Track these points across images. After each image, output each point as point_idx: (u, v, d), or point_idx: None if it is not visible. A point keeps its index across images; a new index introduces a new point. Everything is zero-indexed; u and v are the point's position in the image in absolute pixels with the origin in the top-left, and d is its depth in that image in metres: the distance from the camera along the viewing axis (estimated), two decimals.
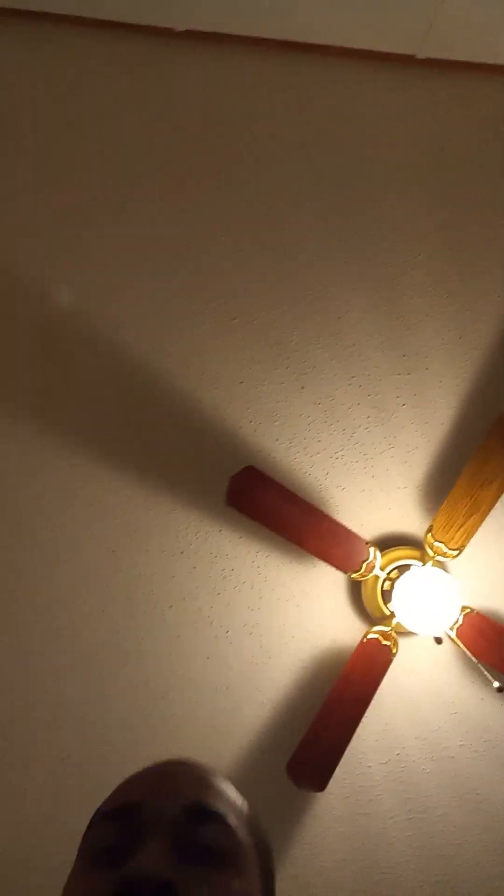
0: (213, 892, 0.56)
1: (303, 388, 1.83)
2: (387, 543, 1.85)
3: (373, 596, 1.83)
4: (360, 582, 1.84)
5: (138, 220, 1.78)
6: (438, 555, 1.71)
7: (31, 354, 1.81)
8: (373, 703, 1.70)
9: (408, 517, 1.88)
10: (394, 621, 1.75)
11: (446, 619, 1.67)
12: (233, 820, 0.63)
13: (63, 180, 1.78)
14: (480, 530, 1.67)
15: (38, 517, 1.84)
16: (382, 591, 1.82)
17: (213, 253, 1.79)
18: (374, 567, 1.73)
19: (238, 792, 0.68)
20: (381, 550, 1.79)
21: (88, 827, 0.63)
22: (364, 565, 1.70)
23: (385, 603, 1.81)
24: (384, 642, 1.73)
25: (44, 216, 1.78)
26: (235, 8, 1.69)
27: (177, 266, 1.79)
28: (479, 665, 1.73)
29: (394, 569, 1.80)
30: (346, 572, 1.73)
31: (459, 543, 1.67)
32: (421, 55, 1.76)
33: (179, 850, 0.57)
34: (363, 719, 1.69)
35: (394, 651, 1.74)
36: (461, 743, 1.96)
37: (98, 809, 0.64)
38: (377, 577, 1.80)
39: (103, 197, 1.78)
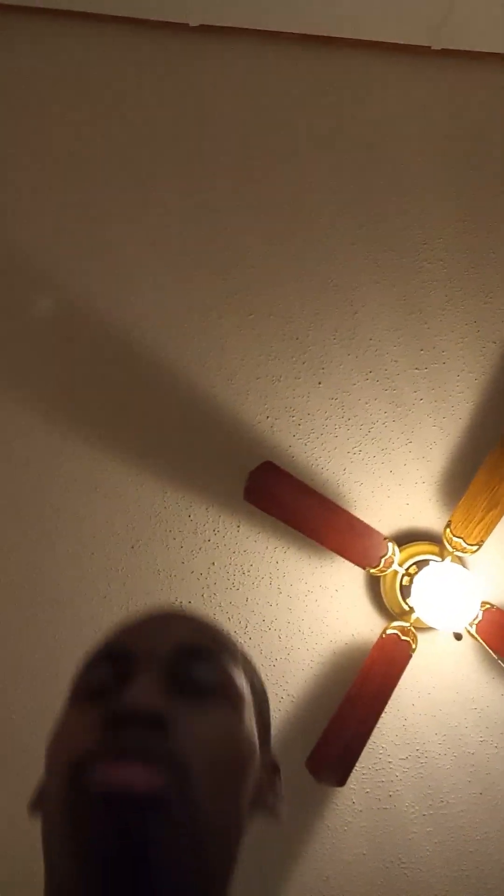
0: (203, 725, 0.56)
1: (320, 383, 1.82)
2: (405, 538, 1.84)
3: (391, 591, 1.83)
4: (379, 577, 1.84)
5: (157, 215, 1.79)
6: (457, 550, 1.70)
7: (52, 350, 1.82)
8: (392, 698, 1.70)
9: (426, 512, 1.87)
10: (413, 617, 1.75)
11: (466, 614, 1.66)
12: (226, 659, 0.62)
13: (82, 176, 1.78)
14: (500, 525, 1.65)
15: (61, 511, 1.85)
16: (401, 587, 1.81)
17: (231, 247, 1.79)
18: (392, 562, 1.72)
19: (232, 637, 0.67)
20: (400, 545, 1.78)
21: (78, 670, 0.63)
22: (382, 560, 1.70)
23: (404, 598, 1.81)
24: (403, 638, 1.72)
25: (62, 212, 1.79)
26: (250, 2, 1.69)
27: (195, 261, 1.79)
28: (500, 661, 1.72)
29: (412, 564, 1.79)
30: (364, 567, 1.73)
31: (479, 538, 1.66)
32: (436, 46, 1.75)
33: (170, 686, 0.57)
34: (382, 715, 1.69)
35: (413, 647, 1.73)
36: (481, 739, 1.95)
37: (88, 653, 0.64)
38: (396, 573, 1.79)
39: (122, 192, 1.78)
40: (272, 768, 0.66)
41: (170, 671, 0.58)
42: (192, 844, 0.51)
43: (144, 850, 0.49)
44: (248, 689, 0.64)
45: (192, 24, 1.73)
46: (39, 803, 0.59)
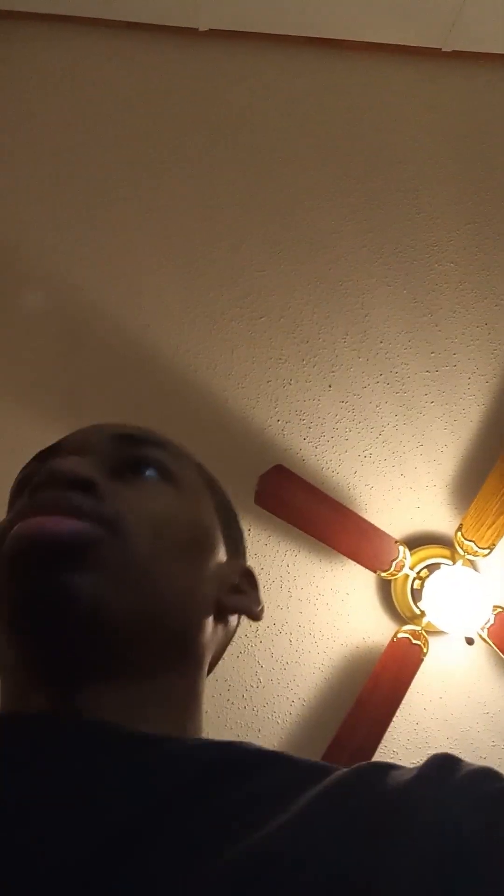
0: (140, 496, 0.51)
1: (330, 386, 1.82)
2: (416, 542, 1.84)
3: (403, 595, 1.82)
4: (390, 581, 1.83)
5: (165, 219, 1.79)
6: (469, 553, 1.69)
7: (60, 352, 1.82)
8: (403, 702, 1.69)
9: (437, 515, 1.86)
10: (424, 621, 1.74)
11: (477, 618, 1.66)
12: (168, 450, 0.58)
13: (90, 181, 1.79)
14: None
15: None
16: (412, 591, 1.80)
17: (240, 251, 1.79)
18: (403, 566, 1.72)
19: (185, 447, 0.62)
20: (411, 549, 1.78)
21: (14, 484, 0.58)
22: (393, 564, 1.69)
23: (415, 602, 1.80)
24: (414, 642, 1.72)
25: (70, 217, 1.79)
26: (259, 6, 1.69)
27: (204, 265, 1.80)
28: None
29: (423, 567, 1.79)
30: (375, 571, 1.72)
31: (490, 542, 1.65)
32: (447, 48, 1.74)
33: (104, 466, 0.52)
34: (394, 719, 1.69)
35: (424, 651, 1.73)
36: (493, 743, 1.94)
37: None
38: (407, 576, 1.78)
39: (130, 197, 1.79)
40: (247, 576, 0.62)
41: (104, 455, 0.53)
42: (131, 595, 0.46)
43: (71, 599, 0.43)
44: (205, 488, 0.60)
45: (202, 28, 1.74)
46: None
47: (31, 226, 1.80)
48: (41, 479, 0.48)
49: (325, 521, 1.65)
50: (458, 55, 1.76)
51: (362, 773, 0.41)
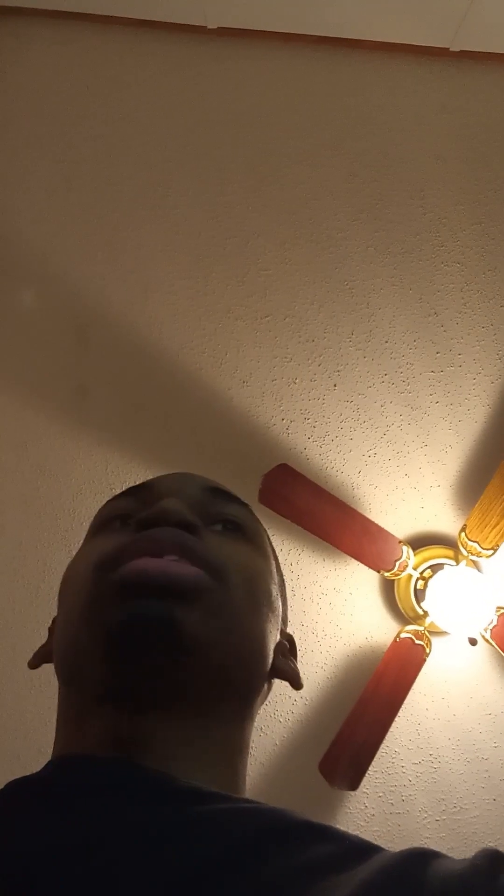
0: (233, 548, 0.54)
1: (335, 385, 1.82)
2: (420, 542, 1.84)
3: (406, 595, 1.82)
4: (393, 581, 1.83)
5: (173, 217, 1.79)
6: (472, 554, 1.69)
7: (66, 351, 1.83)
8: (405, 703, 1.69)
9: (441, 516, 1.86)
10: (427, 621, 1.74)
11: (481, 619, 1.65)
12: (252, 513, 0.61)
13: (97, 179, 1.79)
14: None
15: (75, 514, 1.86)
16: (416, 591, 1.80)
17: (246, 250, 1.79)
18: (406, 566, 1.72)
19: None
20: (414, 549, 1.78)
21: (98, 512, 0.61)
22: (397, 564, 1.69)
23: (418, 602, 1.80)
24: (417, 642, 1.72)
25: (77, 215, 1.80)
26: (267, 4, 1.69)
27: (210, 264, 1.80)
28: None
29: (427, 568, 1.79)
30: (378, 571, 1.72)
31: (494, 543, 1.65)
32: (455, 48, 1.74)
33: (198, 514, 0.55)
34: (396, 719, 1.68)
35: (427, 651, 1.72)
36: (495, 744, 1.94)
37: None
38: (410, 576, 1.78)
39: (138, 195, 1.79)
40: (291, 642, 0.66)
41: (196, 503, 0.56)
42: (226, 639, 0.49)
43: (180, 634, 0.46)
44: (271, 553, 0.63)
45: (210, 26, 1.74)
46: (48, 640, 0.56)
47: (38, 223, 1.81)
48: (151, 515, 0.51)
49: (329, 521, 1.64)
50: (465, 55, 1.76)
51: (411, 861, 0.41)
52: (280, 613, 0.60)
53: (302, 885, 0.38)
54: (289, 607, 0.70)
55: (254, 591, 0.54)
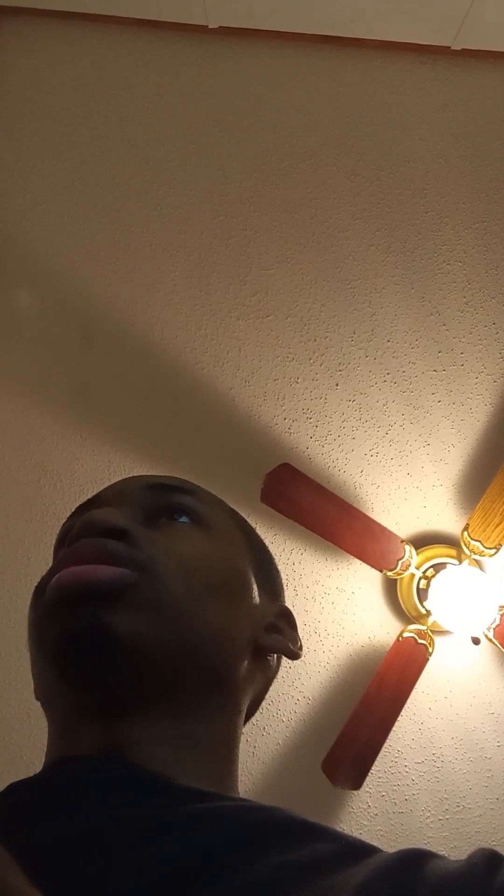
0: (172, 541, 0.53)
1: (337, 385, 1.82)
2: (422, 541, 1.83)
3: (409, 594, 1.82)
4: (396, 580, 1.83)
5: (175, 216, 1.79)
6: (475, 553, 1.69)
7: (69, 349, 1.83)
8: (408, 702, 1.69)
9: (444, 515, 1.86)
10: (430, 620, 1.74)
11: (483, 618, 1.65)
12: (199, 497, 0.60)
13: (100, 179, 1.79)
14: None
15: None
16: (418, 590, 1.80)
17: (249, 249, 1.79)
18: (409, 565, 1.72)
19: (216, 496, 0.64)
20: (417, 548, 1.78)
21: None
22: (399, 563, 1.69)
23: (421, 602, 1.80)
24: (420, 641, 1.71)
25: (80, 216, 1.80)
26: (268, 4, 1.69)
27: (212, 264, 1.80)
28: None
29: (429, 567, 1.79)
30: (381, 570, 1.72)
31: (497, 542, 1.65)
32: (456, 46, 1.74)
33: (138, 515, 0.55)
34: (398, 718, 1.68)
35: (430, 650, 1.72)
36: (498, 743, 1.94)
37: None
38: (413, 576, 1.78)
39: (141, 193, 1.79)
40: (284, 615, 0.64)
41: (138, 505, 0.56)
42: (166, 631, 0.48)
43: (110, 637, 0.46)
44: (237, 531, 0.62)
45: (211, 25, 1.74)
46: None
47: (41, 222, 1.81)
48: (78, 530, 0.51)
49: (332, 520, 1.64)
50: (467, 53, 1.76)
51: (407, 862, 0.41)
52: (254, 590, 0.59)
53: (297, 883, 0.39)
54: (280, 579, 0.68)
55: (198, 576, 0.52)
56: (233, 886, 0.38)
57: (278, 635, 0.60)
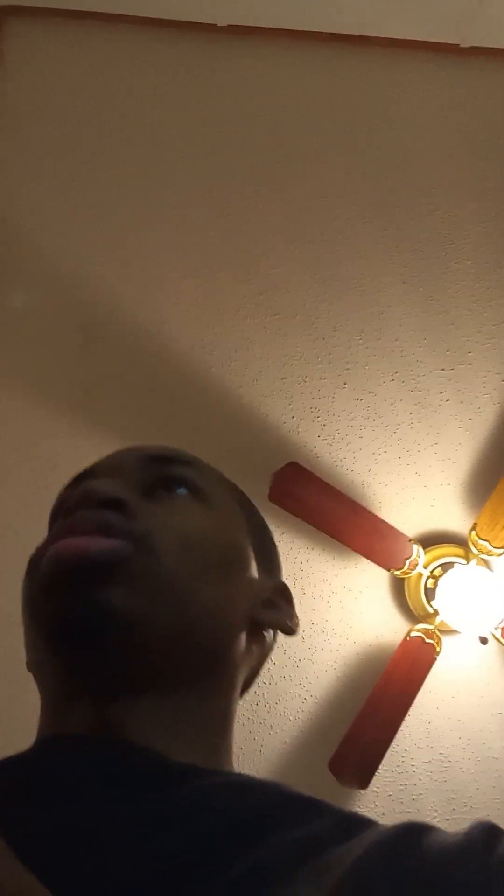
0: (169, 515, 0.52)
1: (345, 383, 1.82)
2: (430, 541, 1.83)
3: (416, 593, 1.82)
4: (404, 579, 1.82)
5: (181, 215, 1.79)
6: (483, 553, 1.69)
7: (75, 351, 1.83)
8: (415, 702, 1.69)
9: (451, 514, 1.85)
10: (437, 620, 1.74)
11: (491, 618, 1.65)
12: (197, 468, 0.58)
13: (107, 178, 1.79)
14: None
15: None
16: (426, 589, 1.80)
17: (256, 248, 1.79)
18: (417, 564, 1.71)
19: (212, 466, 0.63)
20: (425, 548, 1.77)
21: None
22: (407, 563, 1.69)
23: (429, 601, 1.79)
24: (427, 641, 1.71)
25: (87, 215, 1.80)
26: (277, 2, 1.69)
27: (219, 263, 1.80)
28: None
29: (437, 566, 1.78)
30: (388, 569, 1.72)
31: None
32: (465, 44, 1.73)
33: (136, 487, 0.53)
34: (406, 718, 1.68)
35: (437, 650, 1.72)
36: None
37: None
38: (420, 575, 1.78)
39: (147, 192, 1.79)
40: (281, 591, 0.63)
41: (135, 476, 0.55)
42: (162, 607, 0.47)
43: (104, 616, 0.45)
44: (236, 505, 0.61)
45: (220, 24, 1.74)
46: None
47: (46, 222, 1.81)
48: (74, 501, 0.50)
49: (339, 519, 1.64)
50: (475, 51, 1.75)
51: (403, 835, 0.41)
52: (252, 565, 0.58)
53: (294, 864, 0.38)
54: (278, 554, 0.67)
55: (195, 550, 0.51)
56: (231, 875, 0.38)
57: (275, 611, 0.60)
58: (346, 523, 1.64)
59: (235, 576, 0.55)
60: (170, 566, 0.49)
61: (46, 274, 1.81)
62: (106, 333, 1.82)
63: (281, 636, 0.63)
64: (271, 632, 0.61)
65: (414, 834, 0.41)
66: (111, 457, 0.60)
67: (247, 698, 2.03)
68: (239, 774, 0.48)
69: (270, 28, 1.74)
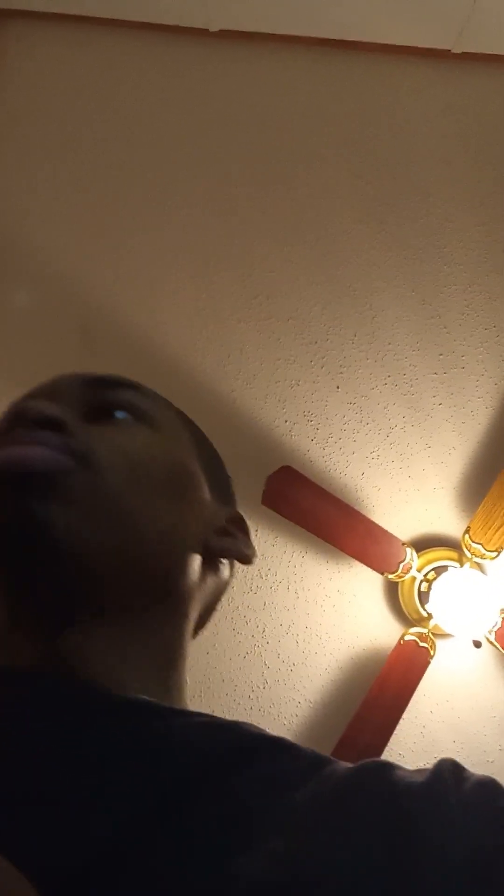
0: (112, 435, 0.49)
1: (338, 387, 1.82)
2: (424, 544, 1.83)
3: (410, 597, 1.82)
4: (397, 583, 1.83)
5: (177, 218, 1.79)
6: (476, 556, 1.69)
7: (70, 350, 1.83)
8: (410, 705, 1.69)
9: (445, 518, 1.86)
10: (431, 623, 1.74)
11: (485, 621, 1.65)
12: (149, 391, 0.56)
13: (102, 181, 1.80)
14: None
15: None
16: (420, 593, 1.80)
17: (251, 252, 1.79)
18: (410, 568, 1.71)
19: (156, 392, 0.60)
20: (418, 551, 1.77)
21: None
22: (400, 566, 1.69)
23: (422, 604, 1.80)
24: (421, 644, 1.71)
25: (82, 218, 1.80)
26: (269, 7, 1.69)
27: (214, 266, 1.80)
28: None
29: (431, 570, 1.78)
30: (382, 573, 1.72)
31: (498, 545, 1.65)
32: (457, 49, 1.74)
33: (76, 410, 0.50)
34: (400, 721, 1.68)
35: (431, 653, 1.72)
36: (500, 747, 1.93)
37: None
38: (414, 579, 1.78)
39: (142, 197, 1.79)
40: (237, 521, 0.60)
41: (76, 400, 0.52)
42: (104, 528, 0.44)
43: (45, 534, 0.42)
44: (183, 429, 0.58)
45: (212, 29, 1.74)
46: None
47: (44, 225, 1.81)
48: (7, 422, 0.47)
49: (333, 523, 1.64)
50: (468, 57, 1.76)
51: (366, 773, 0.40)
52: (203, 488, 0.55)
53: (268, 799, 0.38)
54: (231, 485, 0.64)
55: (141, 471, 0.48)
56: (213, 807, 0.37)
57: (230, 539, 0.57)
58: (339, 527, 1.65)
59: (184, 497, 0.52)
60: (114, 485, 0.45)
61: (44, 276, 1.81)
62: (101, 336, 1.82)
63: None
64: (227, 563, 0.58)
65: (377, 771, 0.40)
66: (49, 382, 0.56)
67: (241, 703, 2.04)
68: (200, 713, 0.45)
69: (263, 33, 1.75)
